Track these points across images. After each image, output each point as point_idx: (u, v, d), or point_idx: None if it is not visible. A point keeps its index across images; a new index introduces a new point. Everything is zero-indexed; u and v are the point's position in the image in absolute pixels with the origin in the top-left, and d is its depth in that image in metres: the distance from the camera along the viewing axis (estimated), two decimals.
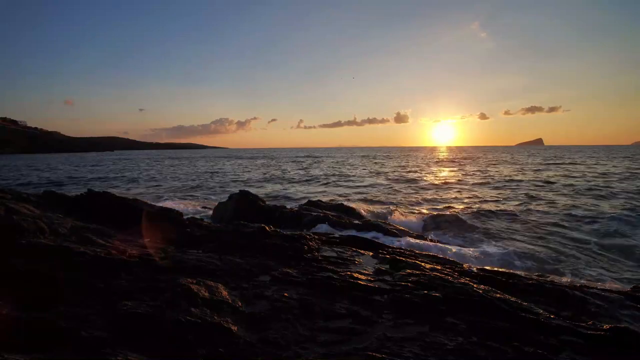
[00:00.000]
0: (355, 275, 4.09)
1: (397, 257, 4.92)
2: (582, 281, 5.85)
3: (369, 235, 7.98)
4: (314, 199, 13.10)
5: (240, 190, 11.49)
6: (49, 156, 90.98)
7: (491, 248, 8.41)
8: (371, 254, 5.43)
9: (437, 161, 55.14)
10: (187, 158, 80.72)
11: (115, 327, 2.58)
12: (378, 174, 32.39)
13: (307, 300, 3.39)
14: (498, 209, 14.13)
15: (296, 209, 11.22)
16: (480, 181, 24.39)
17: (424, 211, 13.35)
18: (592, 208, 13.93)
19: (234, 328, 2.76)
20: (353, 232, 8.40)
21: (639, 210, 12.79)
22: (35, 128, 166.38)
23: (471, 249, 8.14)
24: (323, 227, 9.26)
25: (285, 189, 21.89)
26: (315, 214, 10.10)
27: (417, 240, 8.38)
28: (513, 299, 3.49)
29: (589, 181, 22.94)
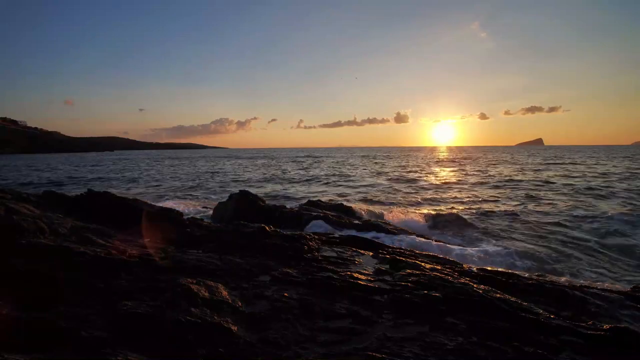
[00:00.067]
0: (355, 275, 4.09)
1: (397, 257, 4.92)
2: (582, 281, 5.85)
3: (369, 235, 7.98)
4: (314, 199, 13.10)
5: (240, 190, 11.50)
6: (49, 156, 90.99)
7: (491, 248, 8.41)
8: (371, 254, 5.43)
9: (437, 161, 55.14)
10: (187, 158, 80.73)
11: (115, 327, 2.58)
12: (378, 174, 32.39)
13: (307, 300, 3.39)
14: (498, 208, 14.13)
15: (296, 209, 11.22)
16: (480, 181, 24.40)
17: (424, 211, 13.35)
18: (592, 208, 13.94)
19: (234, 328, 2.76)
20: (353, 232, 8.40)
21: (639, 210, 12.79)
22: (35, 128, 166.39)
23: (471, 249, 8.14)
24: (318, 224, 9.28)
25: (285, 189, 21.90)
26: (315, 214, 10.10)
27: (418, 240, 8.38)
28: (513, 299, 3.49)
29: (589, 181, 22.95)
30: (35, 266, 3.39)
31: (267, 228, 5.76)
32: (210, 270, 4.02)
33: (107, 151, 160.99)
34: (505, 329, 2.94)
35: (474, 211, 13.61)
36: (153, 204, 8.45)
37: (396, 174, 32.00)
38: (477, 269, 4.91)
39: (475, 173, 31.27)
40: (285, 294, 3.48)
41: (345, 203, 13.05)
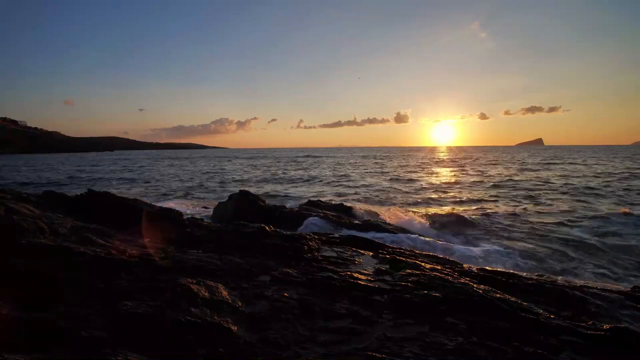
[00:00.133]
0: (355, 275, 4.09)
1: (397, 257, 4.92)
2: (582, 281, 5.85)
3: (368, 235, 7.98)
4: (314, 199, 13.10)
5: (240, 190, 11.50)
6: (49, 156, 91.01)
7: (491, 248, 8.41)
8: (371, 254, 5.43)
9: (437, 161, 55.15)
10: (187, 158, 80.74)
11: (115, 327, 2.58)
12: (378, 174, 32.40)
13: (307, 300, 3.39)
14: (498, 208, 14.14)
15: (296, 209, 11.22)
16: (480, 181, 24.40)
17: (424, 211, 13.35)
18: (592, 208, 13.94)
19: (234, 328, 2.75)
20: (353, 232, 8.40)
21: (638, 210, 12.79)
22: (35, 128, 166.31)
23: (471, 249, 8.14)
24: (313, 221, 9.29)
25: (285, 189, 21.91)
26: (315, 214, 10.10)
27: (418, 240, 8.38)
28: (513, 299, 3.49)
29: (588, 181, 22.95)
30: (35, 266, 3.39)
31: (267, 228, 5.76)
32: (210, 270, 4.02)
33: (107, 151, 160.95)
34: (505, 329, 2.94)
35: (473, 211, 13.61)
36: (153, 204, 8.46)
37: (396, 174, 32.01)
38: (477, 269, 4.91)
39: (475, 173, 31.27)
40: (285, 294, 3.48)
41: (345, 203, 13.05)
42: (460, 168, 38.25)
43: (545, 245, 8.84)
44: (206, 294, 3.18)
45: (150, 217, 6.23)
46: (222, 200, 11.95)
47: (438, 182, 24.51)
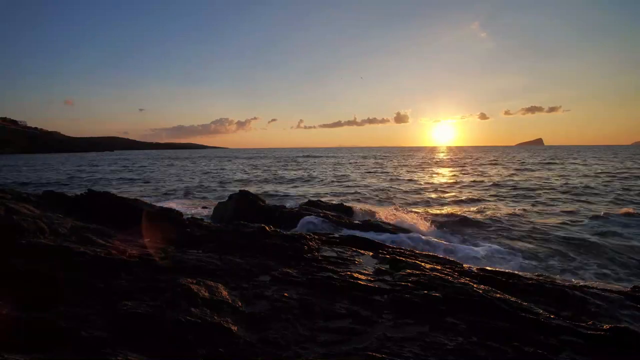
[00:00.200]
0: (355, 275, 4.09)
1: (397, 257, 4.92)
2: (582, 281, 5.85)
3: (368, 235, 7.98)
4: (314, 199, 13.10)
5: (240, 190, 11.50)
6: (49, 156, 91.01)
7: (491, 247, 8.41)
8: (371, 254, 5.43)
9: (437, 161, 55.15)
10: (187, 158, 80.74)
11: (115, 327, 2.58)
12: (378, 174, 32.39)
13: (307, 300, 3.39)
14: (498, 208, 14.14)
15: (296, 209, 11.22)
16: (480, 181, 24.40)
17: (424, 211, 13.36)
18: (592, 208, 13.94)
19: (234, 328, 2.75)
20: (353, 232, 8.40)
21: (639, 210, 12.79)
22: (35, 128, 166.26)
23: (471, 249, 8.15)
24: (310, 219, 9.29)
25: (286, 189, 21.91)
26: (314, 213, 10.10)
27: (417, 239, 8.38)
28: (513, 299, 3.49)
29: (589, 181, 22.95)
30: (35, 266, 3.39)
31: (267, 228, 5.76)
32: (210, 270, 4.02)
33: (107, 151, 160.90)
34: (505, 329, 2.94)
35: (473, 211, 13.62)
36: (153, 204, 8.46)
37: (396, 174, 32.01)
38: (477, 269, 4.91)
39: (475, 173, 31.28)
40: (285, 294, 3.48)
41: (345, 203, 13.05)
42: (460, 168, 38.25)
43: (545, 245, 8.84)
44: (206, 294, 3.18)
45: (150, 217, 6.23)
46: (222, 200, 11.96)
47: (438, 182, 24.52)
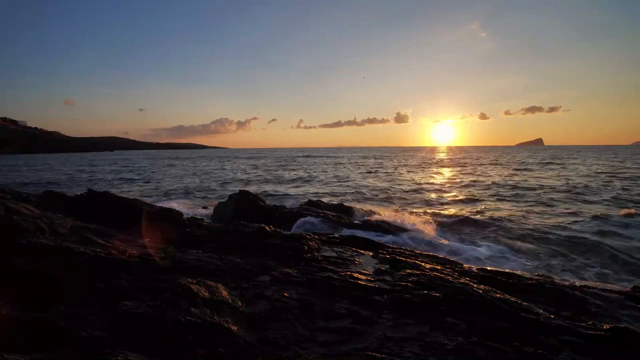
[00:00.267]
0: (355, 275, 4.09)
1: (397, 257, 4.92)
2: (582, 281, 5.85)
3: (369, 235, 7.98)
4: (314, 199, 13.10)
5: (240, 190, 11.50)
6: (49, 156, 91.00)
7: (491, 247, 8.41)
8: (371, 254, 5.43)
9: (437, 161, 55.14)
10: (187, 158, 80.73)
11: (115, 327, 2.58)
12: (378, 174, 32.40)
13: (307, 300, 3.39)
14: (498, 208, 14.14)
15: (296, 209, 11.22)
16: (480, 181, 24.40)
17: (424, 211, 13.35)
18: (592, 208, 13.94)
19: (234, 328, 2.76)
20: (353, 232, 8.40)
21: (638, 210, 12.79)
22: (35, 128, 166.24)
23: (471, 248, 8.14)
24: (305, 220, 9.28)
25: (285, 189, 21.90)
26: (314, 213, 10.10)
27: (417, 239, 8.38)
28: (513, 299, 3.49)
29: (589, 181, 22.94)
30: (35, 266, 3.39)
31: (267, 228, 5.76)
32: (210, 270, 4.02)
33: (107, 151, 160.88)
34: (505, 329, 2.94)
35: (473, 211, 13.61)
36: (153, 204, 8.46)
37: (396, 174, 32.01)
38: (477, 269, 4.91)
39: (475, 173, 31.28)
40: (285, 294, 3.48)
41: (345, 203, 13.05)
42: (461, 168, 38.25)
43: (545, 245, 8.84)
44: (206, 294, 3.18)
45: (150, 217, 6.23)
46: (222, 200, 11.95)
47: (438, 182, 24.51)
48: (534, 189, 19.67)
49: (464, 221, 11.42)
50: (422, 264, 4.68)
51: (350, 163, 51.67)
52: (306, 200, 13.05)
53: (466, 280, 3.99)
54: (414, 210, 13.79)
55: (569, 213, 13.04)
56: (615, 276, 6.83)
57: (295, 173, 33.94)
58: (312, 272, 4.19)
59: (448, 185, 23.03)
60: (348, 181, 26.23)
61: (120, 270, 3.66)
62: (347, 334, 2.86)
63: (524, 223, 11.37)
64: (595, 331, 2.96)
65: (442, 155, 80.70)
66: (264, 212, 10.37)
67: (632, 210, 12.75)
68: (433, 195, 18.25)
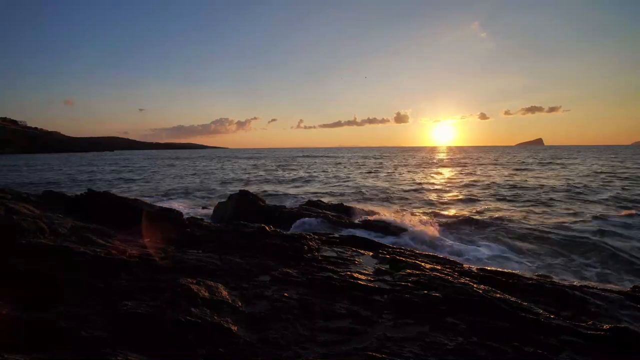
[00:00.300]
0: (355, 275, 4.09)
1: (397, 257, 4.92)
2: (582, 281, 5.85)
3: (368, 235, 7.98)
4: (314, 199, 13.10)
5: (240, 190, 11.50)
6: (49, 156, 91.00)
7: (491, 248, 8.41)
8: (371, 254, 5.43)
9: (437, 161, 55.13)
10: (187, 158, 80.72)
11: (115, 327, 2.58)
12: (378, 174, 32.39)
13: (307, 300, 3.39)
14: (498, 208, 14.14)
15: (296, 209, 11.22)
16: (480, 181, 24.39)
17: (424, 211, 13.35)
18: (592, 208, 13.94)
19: (234, 328, 2.76)
20: (353, 232, 8.40)
21: (638, 210, 12.79)
22: (35, 128, 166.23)
23: (471, 249, 8.15)
24: (304, 220, 9.27)
25: (285, 189, 21.89)
26: (314, 214, 10.10)
27: (417, 239, 8.38)
28: (513, 299, 3.49)
29: (589, 181, 22.94)
30: (35, 266, 3.39)
31: (267, 228, 5.76)
32: (210, 270, 4.02)
33: (107, 151, 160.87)
34: (505, 329, 2.94)
35: (473, 211, 13.62)
36: (153, 204, 8.46)
37: (396, 174, 32.01)
38: (477, 269, 4.91)
39: (475, 173, 31.27)
40: (285, 294, 3.48)
41: (345, 203, 13.04)
42: (461, 168, 38.25)
43: (545, 245, 8.84)
44: (206, 294, 3.18)
45: (150, 217, 6.23)
46: (222, 200, 11.95)
47: (438, 182, 24.51)
48: (534, 189, 19.67)
49: (464, 221, 11.42)
50: (422, 264, 4.68)
51: (350, 163, 51.66)
52: (306, 200, 13.06)
53: (466, 280, 3.99)
54: (414, 210, 13.80)
55: (569, 213, 13.04)
56: (616, 276, 6.83)
57: (295, 173, 33.93)
58: (312, 272, 4.19)
59: (448, 185, 23.03)
60: (348, 181, 26.22)
61: (120, 270, 3.66)
62: (347, 334, 2.86)
63: (524, 223, 11.37)
64: (595, 331, 2.96)
65: (442, 155, 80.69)
66: (264, 212, 10.37)
67: (632, 211, 12.75)
68: (433, 195, 18.25)
